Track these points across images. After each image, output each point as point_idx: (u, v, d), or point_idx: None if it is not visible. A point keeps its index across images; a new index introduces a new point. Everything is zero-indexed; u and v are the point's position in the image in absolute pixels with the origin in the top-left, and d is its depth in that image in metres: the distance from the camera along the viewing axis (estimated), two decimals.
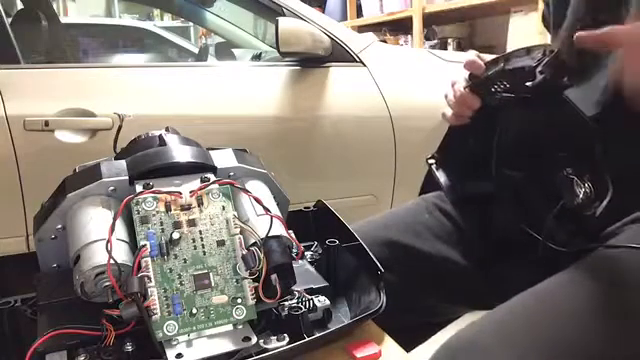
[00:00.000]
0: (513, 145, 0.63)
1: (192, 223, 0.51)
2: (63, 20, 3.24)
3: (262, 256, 0.50)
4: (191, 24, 4.69)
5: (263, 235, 0.51)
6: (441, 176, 0.76)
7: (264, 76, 1.63)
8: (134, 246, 0.49)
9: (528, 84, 0.57)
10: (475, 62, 0.65)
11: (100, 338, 0.46)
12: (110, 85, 1.47)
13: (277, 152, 1.54)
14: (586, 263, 0.55)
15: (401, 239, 0.72)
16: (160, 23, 4.76)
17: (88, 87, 1.44)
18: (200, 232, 0.51)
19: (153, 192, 0.51)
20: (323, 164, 1.62)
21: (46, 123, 1.34)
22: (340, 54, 1.65)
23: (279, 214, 0.54)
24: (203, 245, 0.50)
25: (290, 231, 0.54)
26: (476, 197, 0.73)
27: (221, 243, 0.51)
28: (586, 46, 0.51)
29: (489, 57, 0.67)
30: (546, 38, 2.47)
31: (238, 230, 0.51)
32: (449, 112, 0.70)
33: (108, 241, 0.46)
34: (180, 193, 0.51)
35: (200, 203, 0.52)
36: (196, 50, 3.29)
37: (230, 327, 0.49)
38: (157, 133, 0.58)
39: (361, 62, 1.67)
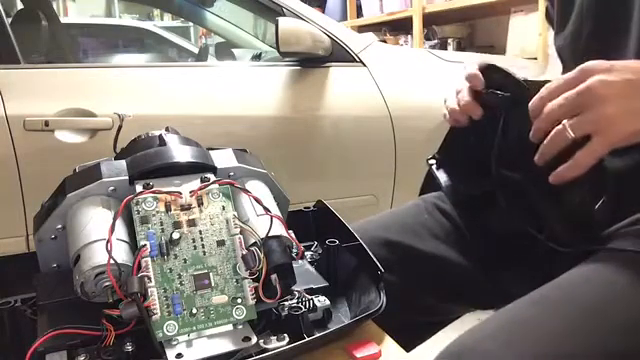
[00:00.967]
0: (514, 145, 0.63)
1: (192, 223, 0.51)
2: (63, 20, 3.25)
3: (262, 256, 0.50)
4: (191, 24, 4.69)
5: (263, 235, 0.51)
6: (442, 176, 0.76)
7: (264, 76, 1.63)
8: (134, 246, 0.49)
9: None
10: (476, 77, 0.65)
11: (100, 338, 0.46)
12: (110, 85, 1.47)
13: (277, 152, 1.54)
14: (588, 266, 0.55)
15: (401, 239, 0.72)
16: (160, 23, 4.77)
17: (88, 87, 1.44)
18: (200, 232, 0.51)
19: (153, 192, 0.51)
20: (323, 164, 1.62)
21: (46, 123, 1.34)
22: (340, 54, 1.65)
23: (279, 214, 0.54)
24: (203, 245, 0.50)
25: (290, 231, 0.54)
26: (477, 198, 0.73)
27: (221, 243, 0.51)
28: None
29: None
30: (546, 38, 2.47)
31: (238, 230, 0.51)
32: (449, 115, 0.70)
33: (108, 241, 0.46)
34: (180, 193, 0.51)
35: (200, 203, 0.52)
36: (196, 50, 3.29)
37: (230, 327, 0.49)
38: (157, 133, 0.58)
39: (361, 62, 1.67)
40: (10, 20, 1.61)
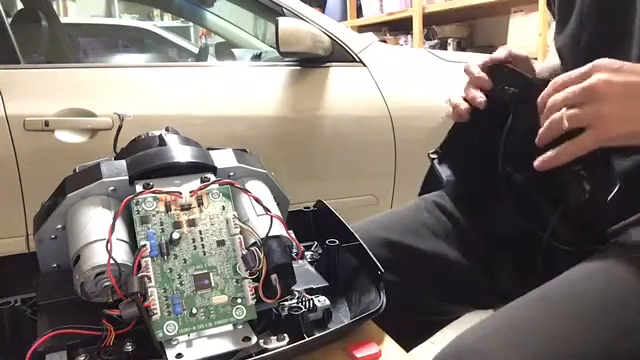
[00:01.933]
0: (522, 142, 0.63)
1: (192, 223, 0.51)
2: (63, 20, 3.25)
3: (262, 256, 0.50)
4: (191, 24, 4.69)
5: (263, 235, 0.51)
6: (443, 171, 0.76)
7: (264, 76, 1.63)
8: (134, 246, 0.49)
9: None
10: (482, 79, 0.66)
11: (100, 338, 0.46)
12: (110, 85, 1.47)
13: (277, 152, 1.54)
14: (589, 264, 0.55)
15: (401, 239, 0.72)
16: (160, 23, 4.76)
17: (88, 87, 1.44)
18: (200, 232, 0.51)
19: (153, 192, 0.51)
20: (323, 164, 1.62)
21: (46, 123, 1.34)
22: (340, 54, 1.65)
23: (279, 214, 0.54)
24: (203, 245, 0.50)
25: (290, 231, 0.54)
26: (477, 195, 0.73)
27: (221, 243, 0.51)
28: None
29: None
30: (546, 38, 2.46)
31: (238, 230, 0.51)
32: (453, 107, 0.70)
33: (108, 241, 0.46)
34: (180, 193, 0.51)
35: (200, 203, 0.52)
36: (196, 50, 3.29)
37: (230, 327, 0.49)
38: (157, 133, 0.58)
39: (361, 62, 1.67)
40: (10, 20, 1.61)
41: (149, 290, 0.46)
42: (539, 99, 0.56)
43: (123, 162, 0.54)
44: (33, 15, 1.86)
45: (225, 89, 1.56)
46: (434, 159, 0.77)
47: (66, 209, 0.52)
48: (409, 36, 3.14)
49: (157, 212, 0.50)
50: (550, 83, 0.55)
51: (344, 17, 3.67)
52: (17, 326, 0.50)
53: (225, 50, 2.41)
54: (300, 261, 0.59)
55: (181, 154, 0.55)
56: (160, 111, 1.43)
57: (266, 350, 0.47)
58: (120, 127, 0.61)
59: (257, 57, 2.07)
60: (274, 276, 0.50)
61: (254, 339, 0.48)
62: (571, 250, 0.59)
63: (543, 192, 0.63)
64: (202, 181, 0.53)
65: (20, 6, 2.01)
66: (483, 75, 0.66)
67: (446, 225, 0.74)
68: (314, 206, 0.70)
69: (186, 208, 0.51)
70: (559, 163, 0.54)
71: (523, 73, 0.64)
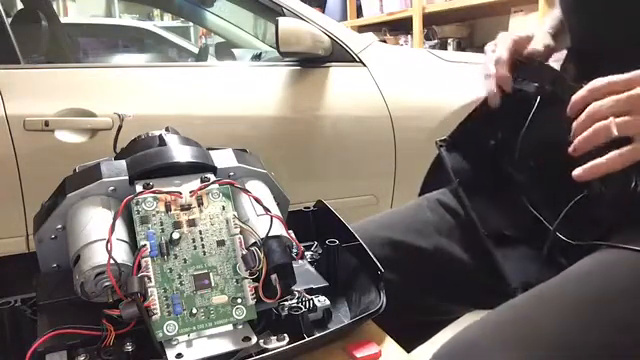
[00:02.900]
0: (543, 135, 0.63)
1: (192, 223, 0.51)
2: (63, 20, 3.25)
3: (262, 256, 0.50)
4: (191, 24, 4.69)
5: (263, 235, 0.51)
6: (449, 158, 0.75)
7: (264, 76, 1.63)
8: (134, 246, 0.49)
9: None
10: (504, 77, 0.66)
11: (100, 338, 0.46)
12: (110, 85, 1.47)
13: (277, 152, 1.54)
14: (590, 262, 0.55)
15: (402, 238, 0.71)
16: (160, 23, 4.76)
17: (88, 87, 1.44)
18: (200, 232, 0.51)
19: (153, 192, 0.51)
20: (323, 164, 1.62)
21: (46, 123, 1.34)
22: (340, 54, 1.65)
23: (279, 214, 0.54)
24: (203, 245, 0.50)
25: (290, 231, 0.54)
26: (483, 185, 0.72)
27: (221, 243, 0.51)
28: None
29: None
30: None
31: (238, 230, 0.51)
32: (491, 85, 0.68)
33: (108, 241, 0.46)
34: (180, 193, 0.51)
35: (200, 203, 0.52)
36: (196, 50, 3.29)
37: (230, 327, 0.49)
38: (157, 133, 0.58)
39: (361, 62, 1.67)
40: (10, 20, 1.61)
41: (149, 290, 0.46)
42: (573, 102, 0.55)
43: (123, 162, 0.54)
44: (33, 15, 1.86)
45: (225, 89, 1.56)
46: (441, 146, 0.77)
47: (66, 209, 0.52)
48: (409, 36, 3.14)
49: (157, 212, 0.50)
50: (587, 87, 0.55)
51: (344, 17, 3.67)
52: (17, 326, 0.50)
53: (225, 50, 2.41)
54: (300, 261, 0.59)
55: (181, 154, 0.55)
56: (160, 111, 1.43)
57: (266, 350, 0.47)
58: (120, 127, 0.61)
59: (257, 57, 2.07)
60: (274, 276, 0.50)
61: (254, 339, 0.48)
62: (576, 245, 0.59)
63: (557, 185, 0.62)
64: (202, 181, 0.53)
65: (20, 6, 2.01)
66: (509, 78, 0.66)
67: (449, 222, 0.74)
68: (314, 206, 0.70)
69: (186, 208, 0.51)
70: (603, 173, 0.53)
71: (552, 68, 0.63)
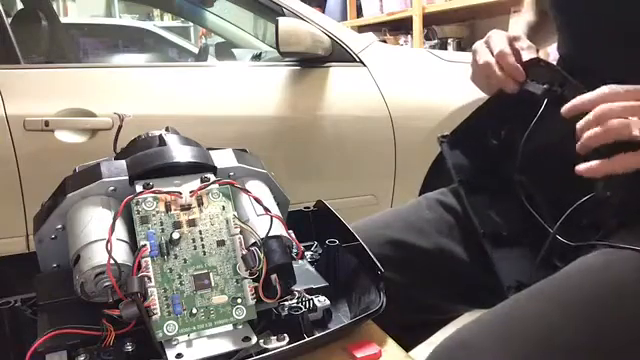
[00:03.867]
0: (547, 138, 0.63)
1: (192, 223, 0.51)
2: (63, 20, 3.24)
3: (262, 256, 0.50)
4: (191, 24, 4.69)
5: (263, 235, 0.51)
6: (450, 155, 0.75)
7: (264, 76, 1.63)
8: (134, 246, 0.49)
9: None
10: (517, 69, 0.65)
11: (100, 338, 0.46)
12: (110, 85, 1.47)
13: (277, 152, 1.54)
14: (586, 261, 0.55)
15: (402, 237, 0.71)
16: (160, 23, 4.76)
17: (88, 87, 1.44)
18: (200, 232, 0.51)
19: (153, 192, 0.51)
20: (323, 164, 1.62)
21: (46, 123, 1.34)
22: (340, 54, 1.65)
23: (279, 214, 0.54)
24: (203, 245, 0.50)
25: (290, 231, 0.54)
26: (483, 184, 0.72)
27: (221, 243, 0.51)
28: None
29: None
30: None
31: (238, 230, 0.51)
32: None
33: (108, 241, 0.46)
34: (180, 193, 0.51)
35: (200, 203, 0.52)
36: (196, 50, 3.29)
37: (230, 327, 0.49)
38: (157, 133, 0.58)
39: (361, 62, 1.67)
40: (10, 20, 1.61)
41: (149, 290, 0.46)
42: (579, 102, 0.55)
43: (123, 162, 0.54)
44: (33, 15, 1.86)
45: (225, 89, 1.56)
46: (443, 142, 0.77)
47: (66, 209, 0.52)
48: (409, 36, 3.15)
49: (157, 212, 0.50)
50: (597, 90, 0.54)
51: (344, 17, 3.68)
52: (17, 326, 0.50)
53: (225, 50, 2.41)
54: (300, 261, 0.59)
55: (181, 154, 0.55)
56: (160, 111, 1.43)
57: (266, 350, 0.47)
58: (120, 127, 0.61)
59: (257, 57, 2.07)
60: (274, 276, 0.50)
61: (254, 339, 0.48)
62: (574, 248, 0.59)
63: (559, 188, 0.62)
64: (202, 181, 0.53)
65: (20, 6, 2.01)
66: (520, 67, 0.65)
67: (449, 221, 0.74)
68: (314, 206, 0.70)
69: (186, 208, 0.51)
70: (609, 172, 0.52)
71: (560, 71, 0.63)
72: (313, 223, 0.69)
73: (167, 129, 0.60)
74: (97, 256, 0.47)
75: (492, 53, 0.68)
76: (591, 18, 0.67)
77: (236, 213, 0.53)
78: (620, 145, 0.52)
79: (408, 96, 1.68)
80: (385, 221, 0.75)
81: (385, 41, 3.09)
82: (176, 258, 0.49)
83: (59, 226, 0.52)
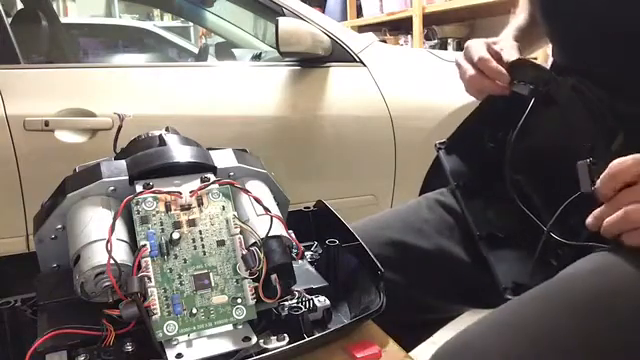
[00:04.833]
0: (536, 138, 0.63)
1: (192, 223, 0.51)
2: (63, 20, 3.25)
3: (262, 256, 0.50)
4: (191, 24, 4.69)
5: (263, 235, 0.51)
6: (448, 161, 0.76)
7: (264, 76, 1.63)
8: (134, 246, 0.49)
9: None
10: (500, 72, 0.65)
11: (100, 338, 0.46)
12: (110, 85, 1.47)
13: (277, 152, 1.54)
14: (587, 262, 0.55)
15: (402, 237, 0.71)
16: (160, 23, 4.76)
17: (88, 87, 1.44)
18: (200, 232, 0.51)
19: (153, 192, 0.51)
20: (323, 164, 1.62)
21: (46, 123, 1.34)
22: (340, 54, 1.65)
23: (279, 214, 0.54)
24: (203, 245, 0.50)
25: (290, 231, 0.54)
26: (480, 187, 0.72)
27: (221, 243, 0.51)
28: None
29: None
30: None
31: (238, 230, 0.51)
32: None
33: (108, 241, 0.46)
34: (180, 193, 0.51)
35: (200, 203, 0.52)
36: (196, 50, 3.29)
37: (230, 327, 0.49)
38: (157, 133, 0.58)
39: (361, 62, 1.67)
40: (10, 20, 1.62)
41: (149, 290, 0.46)
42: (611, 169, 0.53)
43: (123, 162, 0.54)
44: (33, 15, 1.87)
45: (225, 89, 1.56)
46: (440, 149, 0.77)
47: (66, 209, 0.52)
48: (409, 36, 3.15)
49: (157, 212, 0.50)
50: (614, 162, 0.53)
51: (344, 17, 3.68)
52: (17, 326, 0.50)
53: (225, 50, 2.41)
54: (300, 261, 0.59)
55: (181, 154, 0.55)
56: (160, 111, 1.43)
57: (266, 350, 0.47)
58: (120, 127, 0.61)
59: (257, 57, 2.07)
60: (274, 276, 0.50)
61: (254, 339, 0.48)
62: (568, 246, 0.59)
63: (551, 186, 0.62)
64: (202, 181, 0.53)
65: (20, 6, 2.01)
66: (502, 69, 0.65)
67: (448, 222, 0.74)
68: (314, 206, 0.70)
69: (186, 208, 0.51)
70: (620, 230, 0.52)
71: (544, 68, 0.63)
72: (313, 223, 0.69)
73: (167, 129, 0.60)
74: (97, 256, 0.47)
75: (472, 62, 0.68)
76: (584, 20, 0.67)
77: (236, 213, 0.53)
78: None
79: (408, 96, 1.68)
80: (385, 221, 0.75)
81: (385, 41, 3.09)
82: (176, 258, 0.49)
83: (59, 226, 0.52)
